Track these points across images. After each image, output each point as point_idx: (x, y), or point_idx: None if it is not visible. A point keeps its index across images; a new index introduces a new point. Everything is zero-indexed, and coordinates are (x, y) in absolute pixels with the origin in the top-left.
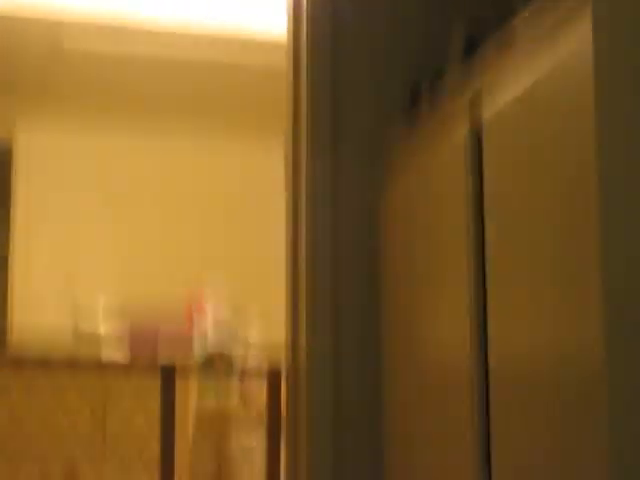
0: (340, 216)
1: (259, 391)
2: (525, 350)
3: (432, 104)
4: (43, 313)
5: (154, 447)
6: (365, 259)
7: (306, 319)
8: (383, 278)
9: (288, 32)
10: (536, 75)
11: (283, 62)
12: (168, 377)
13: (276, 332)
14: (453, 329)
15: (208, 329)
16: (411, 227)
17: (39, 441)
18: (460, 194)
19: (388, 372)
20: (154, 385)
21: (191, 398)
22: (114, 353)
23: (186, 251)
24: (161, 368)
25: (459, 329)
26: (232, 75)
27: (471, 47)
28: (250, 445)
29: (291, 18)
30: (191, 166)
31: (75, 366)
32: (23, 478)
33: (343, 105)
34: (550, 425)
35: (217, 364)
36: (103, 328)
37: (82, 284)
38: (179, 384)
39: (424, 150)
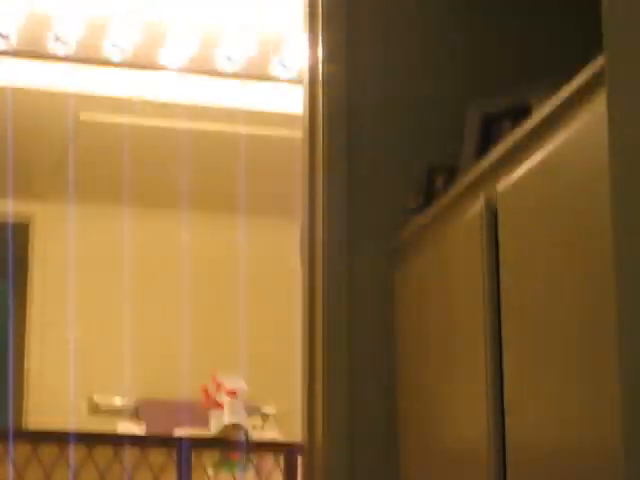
0: (356, 299)
1: (275, 465)
2: (543, 439)
3: (448, 183)
4: (58, 411)
5: None
6: (382, 342)
7: (322, 400)
8: (399, 359)
9: (304, 118)
10: (551, 147)
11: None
12: (184, 454)
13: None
14: (470, 415)
15: (225, 402)
16: (425, 305)
17: None
18: (476, 269)
19: (404, 451)
20: (170, 460)
21: (207, 472)
22: (130, 428)
23: (202, 349)
24: (177, 443)
25: (476, 415)
26: (252, 147)
27: (488, 125)
28: None
29: (306, 107)
30: (205, 254)
31: (91, 442)
32: None
33: (359, 191)
34: None
35: (232, 436)
36: (119, 403)
37: (98, 385)
38: (195, 457)
39: (439, 225)
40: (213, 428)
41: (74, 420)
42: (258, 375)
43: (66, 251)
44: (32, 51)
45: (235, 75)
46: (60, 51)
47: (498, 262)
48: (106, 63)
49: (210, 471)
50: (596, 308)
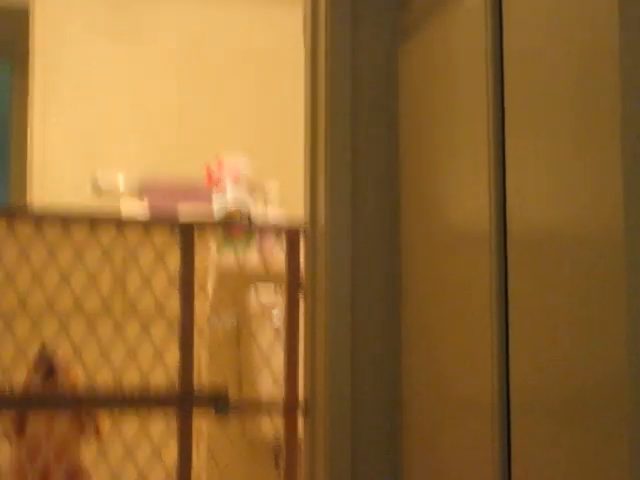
0: (359, 76)
1: (278, 249)
2: (544, 220)
3: None
4: (62, 189)
5: (174, 305)
6: (384, 125)
7: (325, 182)
8: (401, 142)
9: None
10: None
11: None
12: (187, 235)
13: (294, 204)
14: (472, 192)
15: (227, 187)
16: (429, 85)
17: (60, 299)
18: (480, 49)
19: (405, 232)
20: (173, 243)
21: (210, 256)
22: (133, 211)
23: (205, 128)
24: (180, 226)
25: (478, 191)
26: None
27: None
28: (269, 302)
29: None
30: (209, 35)
31: (95, 224)
32: (45, 334)
33: None
34: (568, 291)
35: (236, 221)
36: (122, 186)
37: (101, 163)
38: (198, 242)
39: (443, 6)
40: (216, 214)
41: (77, 198)
42: (261, 153)
43: (68, 29)
44: None
45: None
46: None
47: (502, 44)
48: None
49: (213, 250)
50: (599, 91)
